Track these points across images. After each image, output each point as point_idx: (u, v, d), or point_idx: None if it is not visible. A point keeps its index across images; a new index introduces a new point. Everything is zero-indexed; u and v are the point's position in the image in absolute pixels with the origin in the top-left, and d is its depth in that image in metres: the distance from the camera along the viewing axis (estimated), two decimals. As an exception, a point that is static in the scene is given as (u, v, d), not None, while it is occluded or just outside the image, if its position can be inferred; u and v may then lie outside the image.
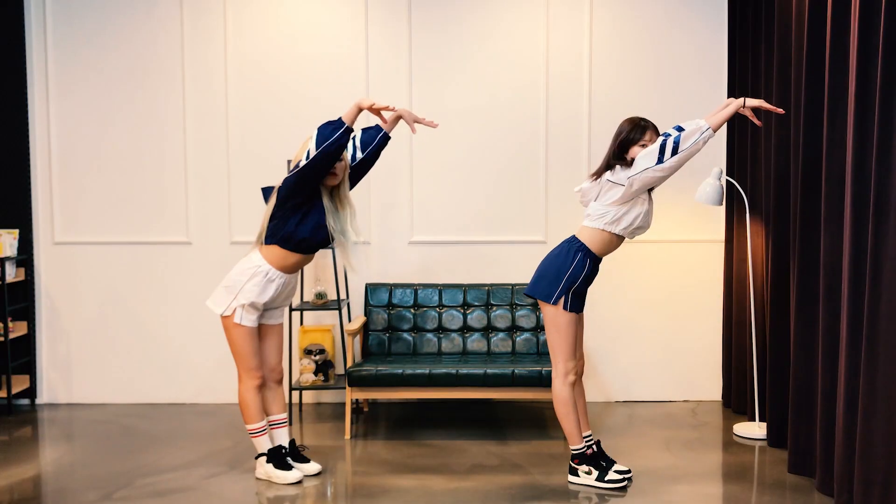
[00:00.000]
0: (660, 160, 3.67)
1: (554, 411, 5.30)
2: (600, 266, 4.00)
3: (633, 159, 3.79)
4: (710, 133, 3.67)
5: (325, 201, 3.91)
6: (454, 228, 5.55)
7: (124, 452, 4.53)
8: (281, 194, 3.85)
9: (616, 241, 3.91)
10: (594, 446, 4.02)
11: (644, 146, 3.81)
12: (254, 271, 3.91)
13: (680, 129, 3.68)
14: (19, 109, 5.49)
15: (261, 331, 4.08)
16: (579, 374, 3.99)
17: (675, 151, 3.66)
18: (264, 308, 4.02)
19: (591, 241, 3.87)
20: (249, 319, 3.94)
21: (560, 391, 3.93)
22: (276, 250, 3.91)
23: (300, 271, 5.21)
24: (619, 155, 3.84)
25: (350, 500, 3.88)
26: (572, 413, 3.93)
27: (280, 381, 4.19)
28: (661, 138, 3.71)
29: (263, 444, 4.07)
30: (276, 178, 5.37)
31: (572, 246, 3.88)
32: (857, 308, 3.39)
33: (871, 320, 3.25)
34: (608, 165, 3.86)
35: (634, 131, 3.83)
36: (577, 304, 3.89)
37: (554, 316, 3.88)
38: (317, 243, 3.95)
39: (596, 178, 3.90)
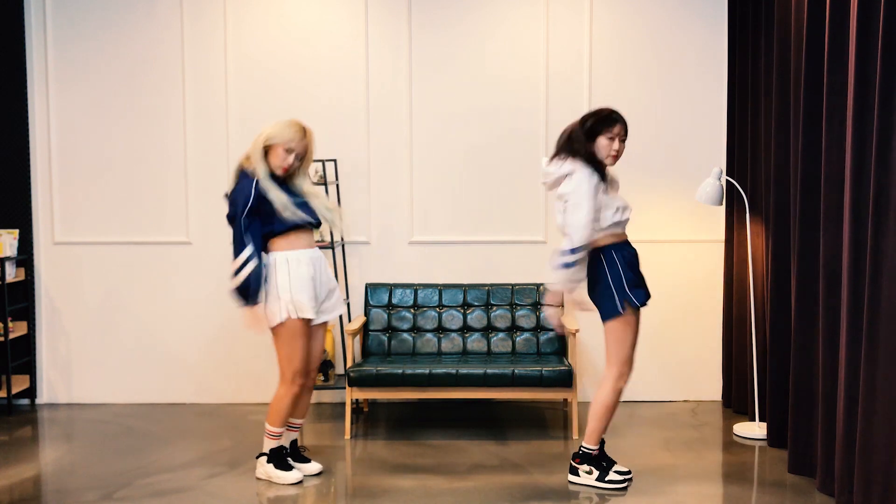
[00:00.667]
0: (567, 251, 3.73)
1: (554, 411, 5.32)
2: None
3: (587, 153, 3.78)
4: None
5: (277, 194, 3.89)
6: (454, 228, 5.55)
7: (124, 452, 4.53)
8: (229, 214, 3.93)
9: (615, 227, 3.86)
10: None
11: (611, 139, 3.77)
12: (274, 267, 3.91)
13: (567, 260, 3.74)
14: (19, 109, 5.50)
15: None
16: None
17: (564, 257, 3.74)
18: (316, 299, 3.97)
19: (598, 241, 3.85)
20: (304, 310, 3.88)
21: (606, 395, 3.86)
22: (273, 241, 3.94)
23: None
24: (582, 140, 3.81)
25: (350, 500, 3.88)
26: (607, 417, 3.88)
27: (312, 388, 4.17)
28: (565, 256, 3.74)
29: (272, 446, 4.06)
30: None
31: (594, 253, 3.84)
32: (857, 308, 3.39)
33: (871, 320, 3.25)
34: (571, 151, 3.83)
35: (604, 122, 3.80)
36: (640, 295, 3.82)
37: (623, 324, 3.81)
38: (295, 224, 3.95)
39: (553, 161, 3.87)
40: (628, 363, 3.87)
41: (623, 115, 3.85)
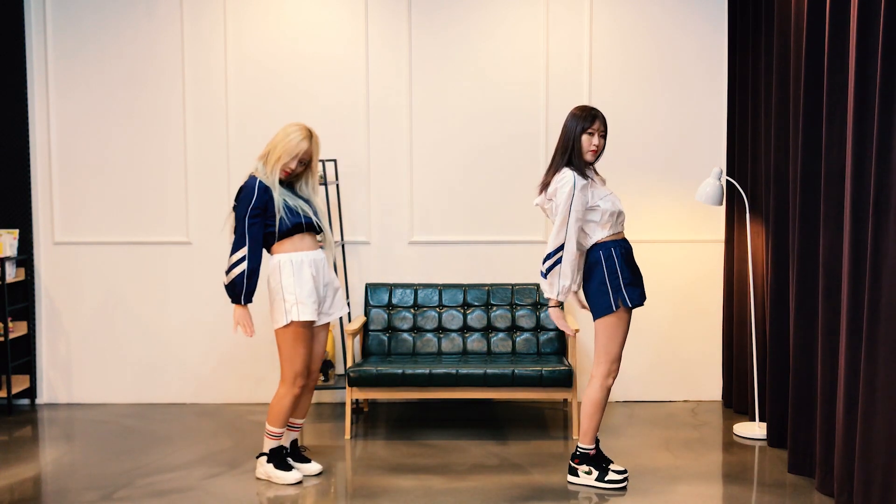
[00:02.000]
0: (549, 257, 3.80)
1: (554, 411, 5.32)
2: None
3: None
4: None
5: (277, 197, 3.92)
6: (454, 228, 5.55)
7: (124, 452, 4.53)
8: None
9: (609, 226, 3.87)
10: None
11: (591, 135, 3.81)
12: (278, 268, 3.93)
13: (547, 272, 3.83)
14: (19, 109, 5.50)
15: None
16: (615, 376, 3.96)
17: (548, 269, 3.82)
18: (319, 301, 3.99)
19: (597, 238, 3.86)
20: (308, 312, 3.90)
21: (595, 392, 3.88)
22: (277, 244, 3.96)
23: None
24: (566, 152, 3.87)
25: (350, 500, 3.88)
26: (598, 415, 3.90)
27: (313, 388, 4.18)
28: (551, 264, 3.80)
29: (272, 446, 4.06)
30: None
31: (592, 251, 3.86)
32: (857, 308, 3.39)
33: (871, 320, 3.25)
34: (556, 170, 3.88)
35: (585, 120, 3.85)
36: (635, 295, 3.83)
37: (616, 321, 3.82)
38: (298, 225, 3.96)
39: (543, 191, 3.93)
40: (617, 361, 3.89)
41: (602, 112, 3.91)
